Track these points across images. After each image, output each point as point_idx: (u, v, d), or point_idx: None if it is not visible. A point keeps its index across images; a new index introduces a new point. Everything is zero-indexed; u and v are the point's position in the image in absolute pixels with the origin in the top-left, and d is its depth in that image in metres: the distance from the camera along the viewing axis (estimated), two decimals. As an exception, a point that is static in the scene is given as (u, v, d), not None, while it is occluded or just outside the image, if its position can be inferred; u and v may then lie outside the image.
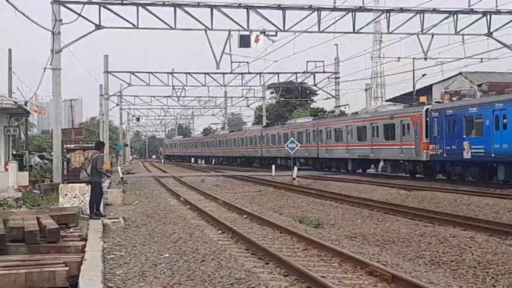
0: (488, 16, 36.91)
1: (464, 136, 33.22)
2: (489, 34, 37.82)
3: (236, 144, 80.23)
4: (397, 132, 40.19)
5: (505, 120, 29.98)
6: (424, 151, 36.74)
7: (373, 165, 46.83)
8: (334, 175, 45.79)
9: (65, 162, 30.87)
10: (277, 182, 38.15)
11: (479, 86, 47.88)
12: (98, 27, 33.89)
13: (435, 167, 37.42)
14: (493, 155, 30.73)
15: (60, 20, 32.22)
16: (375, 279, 10.83)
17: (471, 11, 36.80)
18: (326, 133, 51.34)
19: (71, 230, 15.06)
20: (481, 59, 43.29)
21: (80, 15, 32.79)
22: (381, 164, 43.28)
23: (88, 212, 19.97)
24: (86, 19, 33.59)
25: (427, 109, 37.12)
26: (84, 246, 12.91)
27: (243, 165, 74.94)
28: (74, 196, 21.06)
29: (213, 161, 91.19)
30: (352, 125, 47.01)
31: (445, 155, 34.88)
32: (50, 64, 32.43)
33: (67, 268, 10.43)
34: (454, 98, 39.48)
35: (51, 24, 32.09)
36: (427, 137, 36.48)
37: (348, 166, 48.59)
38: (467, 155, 32.76)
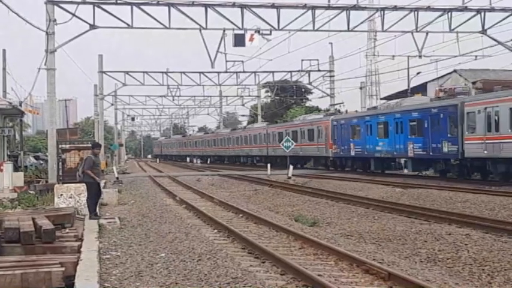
0: (483, 13, 36.95)
1: (350, 139, 47.00)
2: (483, 31, 37.86)
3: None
4: (315, 135, 52.97)
5: (372, 129, 44.11)
6: (330, 150, 49.66)
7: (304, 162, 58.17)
8: (329, 174, 46.09)
9: (60, 163, 30.84)
10: (273, 181, 38.15)
11: (473, 83, 47.95)
12: (92, 27, 33.82)
13: (336, 162, 50.40)
14: (366, 153, 44.85)
15: (54, 20, 32.15)
16: (371, 277, 10.85)
17: (465, 9, 36.84)
18: (272, 136, 65.38)
19: (67, 230, 15.03)
20: (476, 56, 43.37)
21: (74, 15, 32.73)
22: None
23: (83, 212, 19.96)
24: (80, 19, 33.53)
25: (332, 119, 50.85)
26: (80, 246, 12.89)
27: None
28: (69, 196, 21.03)
29: (209, 160, 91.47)
30: (288, 129, 60.21)
31: (341, 153, 48.40)
32: (45, 64, 32.38)
33: (63, 268, 10.41)
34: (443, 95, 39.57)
35: (46, 24, 32.03)
36: (332, 138, 48.95)
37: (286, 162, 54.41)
38: (352, 153, 46.54)
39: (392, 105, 44.69)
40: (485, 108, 31.49)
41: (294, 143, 47.20)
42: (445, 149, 35.06)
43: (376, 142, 43.33)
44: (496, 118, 30.87)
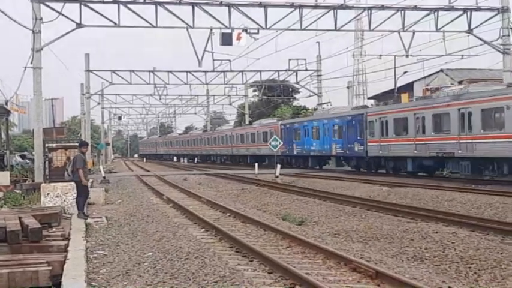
0: (469, 13, 37.16)
1: (293, 140, 55.03)
2: (470, 31, 38.05)
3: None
4: (268, 137, 57.59)
5: (308, 132, 51.93)
6: (280, 150, 51.99)
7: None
8: (317, 173, 46.21)
9: (47, 162, 30.75)
10: (261, 180, 38.16)
11: (460, 82, 48.16)
12: (79, 25, 33.74)
13: (284, 160, 56.25)
14: (304, 152, 52.97)
15: (41, 19, 32.03)
16: (358, 276, 10.87)
17: (452, 8, 37.05)
18: (236, 137, 73.35)
19: (54, 229, 14.97)
20: (462, 55, 43.48)
21: (60, 13, 32.63)
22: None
23: (70, 211, 19.91)
24: (67, 17, 33.44)
25: (281, 123, 59.51)
26: (67, 245, 12.84)
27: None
28: (56, 195, 20.96)
29: (196, 159, 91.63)
30: (248, 132, 68.16)
31: (287, 152, 55.42)
32: (31, 63, 32.24)
33: (50, 267, 10.37)
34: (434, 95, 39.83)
35: (32, 23, 31.90)
36: (282, 139, 51.80)
37: (247, 160, 68.91)
38: (295, 152, 54.23)
39: (323, 112, 54.67)
40: (380, 118, 40.60)
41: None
42: (356, 149, 44.13)
43: (311, 143, 52.22)
44: (386, 126, 39.69)
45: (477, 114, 31.20)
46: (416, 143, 36.35)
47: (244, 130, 72.15)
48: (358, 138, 43.25)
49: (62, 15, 32.74)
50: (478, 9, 36.95)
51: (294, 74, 60.29)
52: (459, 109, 32.41)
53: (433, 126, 35.01)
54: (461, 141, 32.27)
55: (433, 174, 37.72)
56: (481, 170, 32.28)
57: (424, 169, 37.94)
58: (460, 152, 32.49)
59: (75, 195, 20.18)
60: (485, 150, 30.77)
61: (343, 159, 48.88)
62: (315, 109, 62.92)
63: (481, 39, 38.45)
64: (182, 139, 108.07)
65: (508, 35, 36.51)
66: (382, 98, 60.93)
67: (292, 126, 56.60)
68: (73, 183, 20.15)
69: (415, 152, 36.62)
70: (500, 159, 30.43)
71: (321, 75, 60.00)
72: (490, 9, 36.78)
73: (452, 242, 14.08)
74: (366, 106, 48.72)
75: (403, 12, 37.03)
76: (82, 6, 33.42)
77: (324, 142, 49.66)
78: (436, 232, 15.49)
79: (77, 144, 24.44)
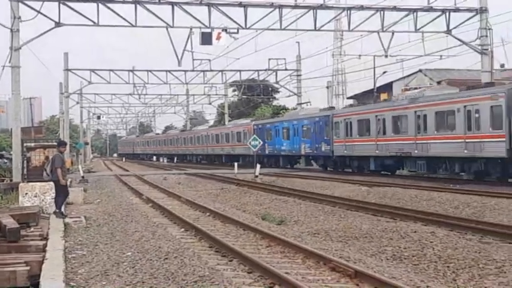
0: (447, 14, 37.38)
1: (265, 140, 54.45)
2: (448, 31, 38.26)
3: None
4: (242, 137, 62.21)
5: (279, 132, 53.80)
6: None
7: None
8: (296, 172, 46.33)
9: (25, 161, 30.50)
10: (240, 180, 38.15)
11: (438, 83, 48.44)
12: (58, 24, 33.55)
13: (258, 159, 53.28)
14: (275, 152, 54.76)
15: (19, 18, 31.81)
16: (338, 275, 10.89)
17: (431, 9, 37.24)
18: (211, 137, 75.45)
19: (32, 229, 14.89)
20: (441, 56, 43.75)
21: (39, 12, 32.44)
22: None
23: (48, 211, 19.80)
24: (46, 16, 33.23)
25: (254, 124, 61.38)
26: (45, 245, 12.77)
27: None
28: (34, 195, 20.83)
29: (175, 159, 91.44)
30: (228, 131, 68.65)
31: (259, 151, 51.38)
32: (9, 62, 32.01)
33: (28, 267, 10.32)
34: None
35: (10, 21, 31.68)
36: None
37: (222, 159, 72.02)
38: (267, 151, 55.12)
39: (293, 113, 56.94)
40: (345, 119, 42.69)
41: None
42: (323, 149, 46.02)
43: (282, 143, 54.11)
44: (351, 127, 41.71)
45: (431, 117, 33.25)
46: (378, 143, 38.42)
47: (219, 130, 74.09)
48: (325, 138, 45.41)
49: (41, 14, 32.55)
50: (457, 10, 37.17)
51: (274, 73, 60.41)
52: (415, 111, 34.53)
53: (393, 128, 37.08)
54: (417, 141, 34.37)
55: (394, 173, 39.46)
56: (435, 168, 34.46)
57: (386, 168, 39.73)
58: (416, 151, 34.57)
59: (53, 195, 20.07)
60: (438, 150, 32.88)
61: (312, 158, 51.09)
62: (295, 108, 63.05)
63: (459, 39, 38.68)
64: (159, 139, 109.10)
65: (486, 36, 36.74)
66: (361, 97, 61.24)
67: (264, 126, 58.55)
68: (52, 183, 20.05)
69: (377, 151, 38.70)
70: (451, 158, 32.48)
71: (300, 75, 60.15)
72: (469, 10, 36.99)
73: (431, 242, 14.16)
74: (333, 108, 51.16)
75: (382, 12, 37.18)
76: (61, 5, 33.22)
77: (293, 142, 51.51)
78: (415, 231, 15.57)
79: (56, 143, 24.27)
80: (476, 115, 29.94)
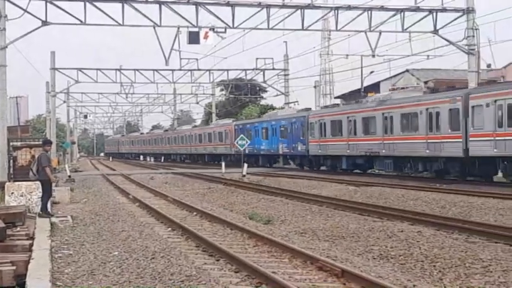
0: (434, 14, 37.49)
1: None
2: (435, 31, 38.38)
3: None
4: (224, 137, 64.83)
5: (258, 132, 55.37)
6: (233, 148, 57.17)
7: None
8: (283, 172, 46.40)
9: (11, 160, 30.38)
10: (227, 179, 38.14)
11: (425, 83, 48.51)
12: (45, 23, 33.42)
13: (238, 158, 54.91)
14: (255, 151, 55.97)
15: (6, 16, 31.65)
16: (325, 274, 10.90)
17: (418, 9, 37.34)
18: (195, 137, 77.15)
19: (18, 228, 14.82)
20: (428, 56, 43.87)
21: (25, 11, 32.29)
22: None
23: (35, 210, 19.71)
24: (32, 15, 33.09)
25: (235, 124, 63.42)
26: (31, 245, 12.72)
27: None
28: (20, 195, 20.72)
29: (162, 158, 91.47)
30: (211, 131, 70.40)
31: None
32: (-5, 60, 31.84)
33: (14, 267, 10.26)
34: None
35: (-4, 20, 31.52)
36: (235, 140, 54.13)
37: (205, 159, 74.66)
38: (247, 151, 52.07)
39: (272, 114, 59.30)
40: (319, 120, 44.76)
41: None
42: (299, 148, 48.06)
43: (261, 143, 56.04)
44: (325, 127, 43.74)
45: (397, 118, 35.33)
46: (349, 143, 40.42)
47: (202, 130, 76.38)
48: (301, 138, 47.60)
49: (28, 12, 32.41)
50: (444, 10, 37.29)
51: (261, 73, 60.38)
52: (383, 113, 36.59)
53: (363, 129, 39.08)
54: (384, 141, 36.31)
55: (365, 172, 41.36)
56: (401, 167, 36.43)
57: (357, 167, 41.77)
58: (384, 151, 36.55)
59: (40, 194, 19.98)
60: (403, 150, 34.87)
61: (289, 157, 53.23)
62: (282, 108, 63.09)
63: (446, 39, 38.81)
64: (143, 138, 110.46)
65: (473, 36, 36.87)
66: (348, 97, 61.31)
67: (244, 126, 60.57)
68: (38, 182, 19.96)
69: (348, 151, 40.74)
70: (415, 157, 34.43)
71: (288, 75, 60.17)
72: (455, 10, 37.12)
73: (418, 241, 14.20)
74: (309, 109, 52.73)
75: (369, 12, 37.26)
76: (48, 3, 33.09)
77: (272, 142, 53.76)
78: (402, 231, 15.61)
79: (41, 142, 24.17)
80: (437, 117, 31.72)
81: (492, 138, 27.98)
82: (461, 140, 29.91)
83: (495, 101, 27.93)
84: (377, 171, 40.37)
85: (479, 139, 28.87)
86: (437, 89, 34.56)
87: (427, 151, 32.36)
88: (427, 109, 32.37)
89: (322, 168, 46.75)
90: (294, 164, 52.67)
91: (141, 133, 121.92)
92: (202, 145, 73.47)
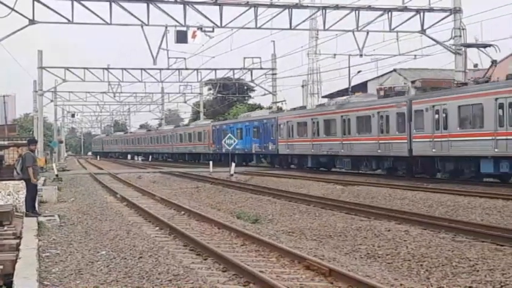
0: (422, 14, 37.60)
1: (222, 140, 54.61)
2: (422, 31, 38.50)
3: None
4: (202, 137, 67.79)
5: (234, 133, 54.76)
6: (211, 148, 63.65)
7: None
8: (271, 171, 46.46)
9: (-2, 160, 30.24)
10: (215, 178, 38.15)
11: (412, 82, 48.63)
12: (32, 22, 33.29)
13: (215, 157, 60.02)
14: (231, 150, 52.33)
15: (-8, 15, 31.52)
16: (312, 273, 10.93)
17: (405, 9, 37.44)
18: (176, 137, 79.60)
19: (5, 228, 14.78)
20: (415, 55, 44.05)
21: (13, 9, 32.15)
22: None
23: (22, 209, 19.64)
24: (20, 14, 32.94)
25: (212, 125, 66.15)
26: (18, 244, 12.68)
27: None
28: (7, 194, 20.63)
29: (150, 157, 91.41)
30: (191, 132, 73.24)
31: (217, 150, 61.29)
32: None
33: (1, 266, 10.25)
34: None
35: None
36: (212, 139, 62.55)
37: (185, 157, 77.19)
38: (223, 150, 54.23)
39: (246, 115, 61.79)
40: (287, 121, 47.77)
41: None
42: (270, 148, 51.32)
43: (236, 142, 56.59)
44: (292, 128, 46.64)
45: (354, 121, 38.16)
46: (313, 143, 43.29)
47: (182, 130, 79.60)
48: (272, 138, 50.87)
49: (15, 11, 32.26)
50: (431, 10, 37.40)
51: (249, 72, 60.36)
52: (342, 116, 39.54)
53: (325, 130, 41.96)
54: (343, 142, 39.16)
55: (329, 170, 43.78)
56: (358, 166, 39.23)
57: (321, 165, 44.56)
58: (342, 151, 39.46)
59: (26, 193, 19.90)
60: (359, 149, 37.63)
61: (262, 156, 56.59)
62: (270, 107, 63.16)
63: (433, 39, 38.92)
64: (127, 138, 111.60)
65: (460, 36, 36.98)
66: (336, 96, 61.30)
67: (221, 127, 63.61)
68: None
69: (312, 150, 43.65)
70: (369, 156, 37.26)
71: (275, 74, 60.20)
72: (443, 10, 37.22)
73: (405, 240, 14.27)
74: (280, 110, 56.14)
75: (357, 12, 37.33)
76: (35, 2, 32.96)
77: (246, 142, 56.54)
78: (389, 230, 15.68)
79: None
80: (387, 120, 34.75)
81: (431, 139, 30.74)
82: (406, 141, 32.83)
83: (433, 106, 30.73)
84: (338, 169, 42.82)
85: (420, 140, 31.84)
86: (389, 94, 36.88)
87: (379, 151, 35.38)
88: (378, 113, 35.39)
89: (292, 166, 49.25)
90: (266, 162, 56.49)
91: (125, 132, 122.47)
92: (183, 144, 75.97)
